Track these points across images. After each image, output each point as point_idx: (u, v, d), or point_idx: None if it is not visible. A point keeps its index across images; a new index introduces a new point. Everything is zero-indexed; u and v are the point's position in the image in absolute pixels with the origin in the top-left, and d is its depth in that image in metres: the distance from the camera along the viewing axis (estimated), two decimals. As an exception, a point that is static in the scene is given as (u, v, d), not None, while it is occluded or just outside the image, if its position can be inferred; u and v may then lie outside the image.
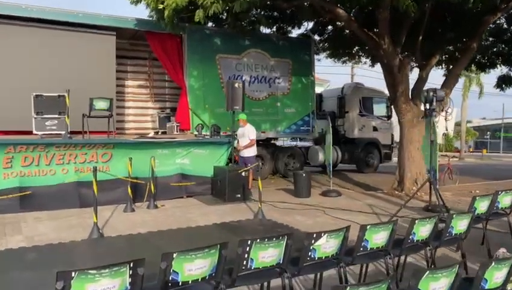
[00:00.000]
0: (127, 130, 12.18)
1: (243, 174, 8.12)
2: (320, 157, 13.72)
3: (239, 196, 8.04)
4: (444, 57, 10.81)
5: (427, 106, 6.09)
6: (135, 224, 6.26)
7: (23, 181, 7.24)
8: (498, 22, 10.82)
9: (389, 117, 15.37)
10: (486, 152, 38.45)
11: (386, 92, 11.78)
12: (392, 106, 9.56)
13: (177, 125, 11.15)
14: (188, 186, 8.70)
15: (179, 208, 7.44)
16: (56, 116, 8.02)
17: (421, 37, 9.70)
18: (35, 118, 7.86)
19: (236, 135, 9.26)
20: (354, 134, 14.61)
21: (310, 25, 14.68)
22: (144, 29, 10.75)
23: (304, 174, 8.69)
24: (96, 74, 10.14)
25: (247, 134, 9.05)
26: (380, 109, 15.23)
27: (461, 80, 31.88)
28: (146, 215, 6.93)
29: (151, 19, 10.54)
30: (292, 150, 13.45)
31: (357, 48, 15.41)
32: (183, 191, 8.59)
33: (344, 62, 16.56)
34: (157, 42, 10.95)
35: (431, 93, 5.70)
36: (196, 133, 10.12)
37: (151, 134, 9.09)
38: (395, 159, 15.51)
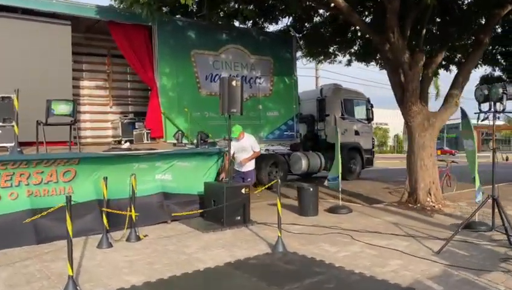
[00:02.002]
0: (82, 140, 10.27)
1: (243, 191, 6.68)
2: (303, 165, 12.55)
3: (239, 218, 6.59)
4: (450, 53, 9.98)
5: (486, 106, 4.99)
6: (119, 268, 4.64)
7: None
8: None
9: (369, 120, 14.53)
10: (440, 153, 39.53)
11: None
12: (401, 108, 8.43)
13: (147, 133, 9.49)
14: (172, 207, 7.10)
15: (169, 239, 5.86)
16: (0, 124, 6.18)
17: (424, 31, 8.81)
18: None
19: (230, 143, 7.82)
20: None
21: (286, 20, 13.60)
22: (105, 19, 8.99)
23: (312, 189, 7.40)
24: (49, 72, 8.29)
25: (249, 147, 7.61)
26: (360, 112, 14.37)
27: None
28: (130, 252, 5.30)
29: (114, 5, 8.85)
30: (275, 158, 12.13)
31: (334, 46, 14.53)
32: (167, 214, 6.97)
33: (319, 62, 15.62)
34: (122, 35, 9.21)
35: (500, 90, 4.63)
36: (175, 141, 8.54)
37: (126, 145, 7.40)
38: (382, 165, 14.70)
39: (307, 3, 10.93)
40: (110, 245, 5.51)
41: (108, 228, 5.67)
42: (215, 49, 10.47)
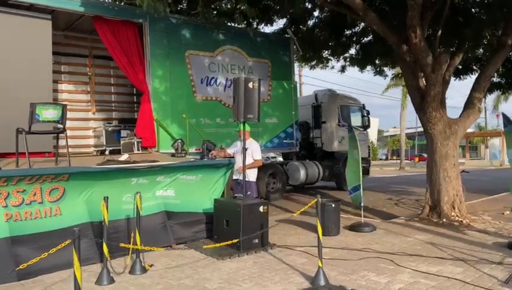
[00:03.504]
0: (60, 149, 9.10)
1: (261, 209, 5.79)
2: (302, 175, 11.77)
3: (257, 241, 5.69)
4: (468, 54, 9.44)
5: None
6: (130, 314, 3.67)
7: None
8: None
9: (365, 127, 13.94)
10: (418, 160, 39.73)
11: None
12: (419, 114, 7.79)
13: (137, 142, 8.47)
14: (175, 228, 6.13)
15: (182, 270, 4.90)
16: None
17: (440, 32, 8.24)
18: None
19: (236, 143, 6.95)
20: (333, 147, 12.88)
21: (281, 22, 12.91)
22: (91, 13, 7.95)
23: (334, 205, 6.59)
24: (26, 72, 7.20)
25: (249, 151, 6.64)
26: (356, 119, 13.74)
27: (399, 90, 32.44)
28: (137, 288, 4.31)
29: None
30: (274, 168, 11.29)
31: (328, 51, 13.94)
32: (171, 237, 5.99)
33: (312, 67, 14.95)
34: (110, 32, 8.19)
35: None
36: (174, 151, 7.57)
37: (125, 156, 6.37)
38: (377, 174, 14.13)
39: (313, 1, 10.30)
40: (111, 280, 4.50)
41: (108, 258, 4.65)
42: (211, 50, 9.59)
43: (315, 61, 14.62)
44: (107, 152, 9.45)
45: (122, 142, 9.05)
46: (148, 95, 8.48)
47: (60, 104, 5.65)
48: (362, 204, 7.11)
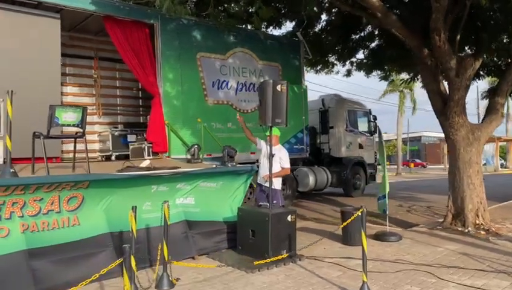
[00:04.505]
0: (65, 154, 8.75)
1: (289, 218, 5.50)
2: (311, 181, 11.52)
3: (285, 252, 5.40)
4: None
5: None
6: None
7: None
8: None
9: (371, 133, 13.75)
10: (414, 166, 39.84)
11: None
12: (441, 120, 7.59)
13: (148, 147, 8.14)
14: (196, 238, 5.81)
15: (212, 285, 4.59)
16: (-20, 136, 4.74)
17: (459, 36, 8.06)
18: None
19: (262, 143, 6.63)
20: (340, 152, 12.66)
21: (289, 25, 12.71)
22: (102, 12, 7.63)
23: (359, 214, 6.30)
24: (34, 73, 6.85)
25: (277, 158, 6.31)
26: (363, 124, 13.56)
27: (396, 96, 32.44)
28: (169, 306, 3.99)
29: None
30: (284, 174, 10.99)
31: (334, 55, 13.78)
32: (193, 247, 5.67)
33: (318, 72, 14.76)
34: (121, 32, 7.87)
35: None
36: (189, 157, 7.27)
37: (146, 162, 6.03)
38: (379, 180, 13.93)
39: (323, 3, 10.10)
40: (138, 296, 4.18)
41: (136, 273, 4.31)
42: (222, 53, 9.30)
43: (320, 65, 14.46)
44: (113, 157, 9.12)
45: (131, 147, 8.71)
46: (159, 98, 8.17)
47: (79, 106, 5.31)
48: (387, 212, 6.85)
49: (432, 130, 68.12)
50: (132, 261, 4.27)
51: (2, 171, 4.26)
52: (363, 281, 4.11)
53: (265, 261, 5.03)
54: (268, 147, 5.96)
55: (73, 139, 5.67)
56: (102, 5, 7.56)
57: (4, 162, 4.65)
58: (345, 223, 5.59)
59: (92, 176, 4.93)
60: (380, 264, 5.24)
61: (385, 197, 6.82)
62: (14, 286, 4.13)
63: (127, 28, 7.92)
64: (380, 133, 7.62)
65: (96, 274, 4.03)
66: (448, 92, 7.62)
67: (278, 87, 5.45)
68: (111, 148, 9.08)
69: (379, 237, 6.59)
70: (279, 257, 5.19)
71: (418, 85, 14.50)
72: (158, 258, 4.56)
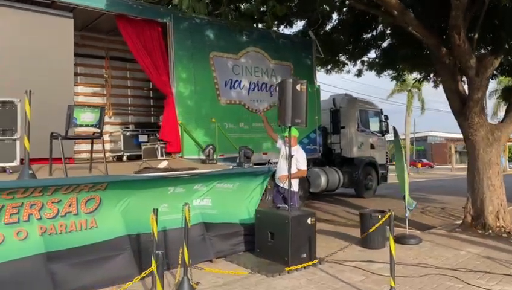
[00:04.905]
0: (76, 155, 8.67)
1: (309, 221, 5.39)
2: (323, 181, 11.39)
3: (305, 255, 5.28)
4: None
5: None
6: None
7: None
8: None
9: (383, 133, 13.60)
10: (421, 166, 39.56)
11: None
12: (459, 120, 7.44)
13: (161, 147, 8.05)
14: (214, 241, 5.70)
15: (231, 288, 4.49)
16: (-2, 137, 4.66)
17: (476, 35, 7.90)
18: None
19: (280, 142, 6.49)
20: (352, 153, 12.52)
21: (300, 24, 12.60)
22: (115, 12, 7.55)
23: (381, 216, 6.18)
24: (48, 73, 6.76)
25: (294, 159, 6.23)
26: (375, 124, 13.40)
27: (404, 95, 32.22)
28: (191, 312, 3.89)
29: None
30: (296, 175, 10.87)
31: (345, 55, 13.66)
32: (211, 250, 5.57)
33: (328, 71, 14.64)
34: (134, 31, 7.78)
35: None
36: (204, 157, 7.17)
37: (164, 163, 5.93)
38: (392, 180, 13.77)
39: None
40: (159, 301, 4.07)
41: (157, 277, 4.20)
42: (235, 52, 9.20)
43: (331, 65, 14.33)
44: (124, 158, 9.05)
45: (143, 147, 8.64)
46: (172, 98, 8.07)
47: (97, 107, 5.23)
48: (407, 215, 6.71)
49: (438, 129, 67.87)
50: (153, 265, 4.18)
51: (21, 172, 4.18)
52: (391, 287, 3.99)
53: (296, 267, 4.98)
54: (287, 148, 5.85)
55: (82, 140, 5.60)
56: (115, 4, 7.48)
57: (21, 163, 4.56)
58: (374, 228, 5.48)
59: (111, 177, 4.84)
60: (403, 268, 5.10)
61: (411, 200, 6.67)
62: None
63: (139, 27, 7.84)
64: (396, 134, 7.46)
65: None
66: (467, 91, 7.47)
67: (298, 87, 5.34)
68: (122, 149, 9.02)
69: (399, 239, 6.44)
70: (312, 263, 5.10)
71: (426, 85, 14.36)
72: (179, 262, 4.44)
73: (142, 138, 9.26)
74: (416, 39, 8.15)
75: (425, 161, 49.21)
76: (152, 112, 10.40)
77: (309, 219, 5.39)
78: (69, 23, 7.24)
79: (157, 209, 4.25)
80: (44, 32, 6.89)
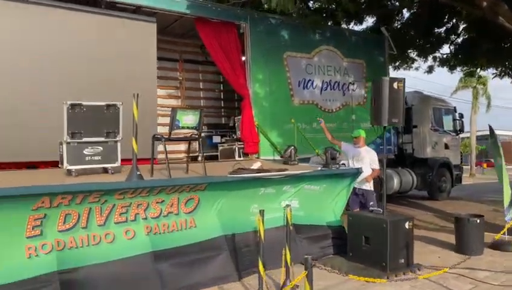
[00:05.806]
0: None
1: (407, 225, 5.17)
2: (395, 183, 10.98)
3: (403, 261, 5.07)
4: None
5: None
6: None
7: (64, 259, 3.91)
8: None
9: (457, 132, 12.92)
10: (487, 166, 37.28)
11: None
12: None
13: (239, 148, 8.10)
14: (303, 243, 5.62)
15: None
16: (102, 139, 4.83)
17: None
18: (68, 142, 4.63)
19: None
20: (425, 153, 11.98)
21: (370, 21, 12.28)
22: (194, 15, 7.66)
23: (478, 221, 5.83)
24: (133, 77, 6.97)
25: (367, 160, 6.29)
26: (448, 123, 12.75)
27: (469, 92, 30.57)
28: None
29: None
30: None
31: (415, 51, 13.18)
32: (300, 252, 5.45)
33: (396, 68, 14.18)
34: (212, 34, 7.88)
35: None
36: (285, 158, 7.13)
37: (257, 164, 5.97)
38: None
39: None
40: (266, 304, 4.05)
41: (263, 277, 4.17)
42: (308, 51, 9.08)
43: (399, 61, 13.89)
44: (199, 158, 9.18)
45: (220, 148, 8.75)
46: (249, 99, 8.09)
47: (197, 109, 5.33)
48: (508, 219, 6.27)
49: (500, 128, 63.94)
50: (260, 266, 4.16)
51: (129, 173, 4.31)
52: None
53: (396, 273, 4.81)
54: (356, 149, 6.43)
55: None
56: (195, 7, 7.61)
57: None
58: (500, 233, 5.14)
59: (214, 178, 4.87)
60: (512, 277, 4.77)
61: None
62: (144, 288, 4.14)
63: (217, 29, 7.92)
64: (492, 132, 7.02)
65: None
66: None
67: (395, 85, 5.13)
68: (197, 149, 9.15)
69: (498, 246, 6.04)
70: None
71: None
72: (283, 264, 4.39)
73: (216, 138, 9.40)
74: (498, 33, 7.67)
75: (492, 160, 46.33)
76: (223, 113, 10.52)
77: (407, 223, 5.18)
78: (152, 27, 7.44)
79: (263, 211, 4.22)
80: (129, 36, 7.12)
